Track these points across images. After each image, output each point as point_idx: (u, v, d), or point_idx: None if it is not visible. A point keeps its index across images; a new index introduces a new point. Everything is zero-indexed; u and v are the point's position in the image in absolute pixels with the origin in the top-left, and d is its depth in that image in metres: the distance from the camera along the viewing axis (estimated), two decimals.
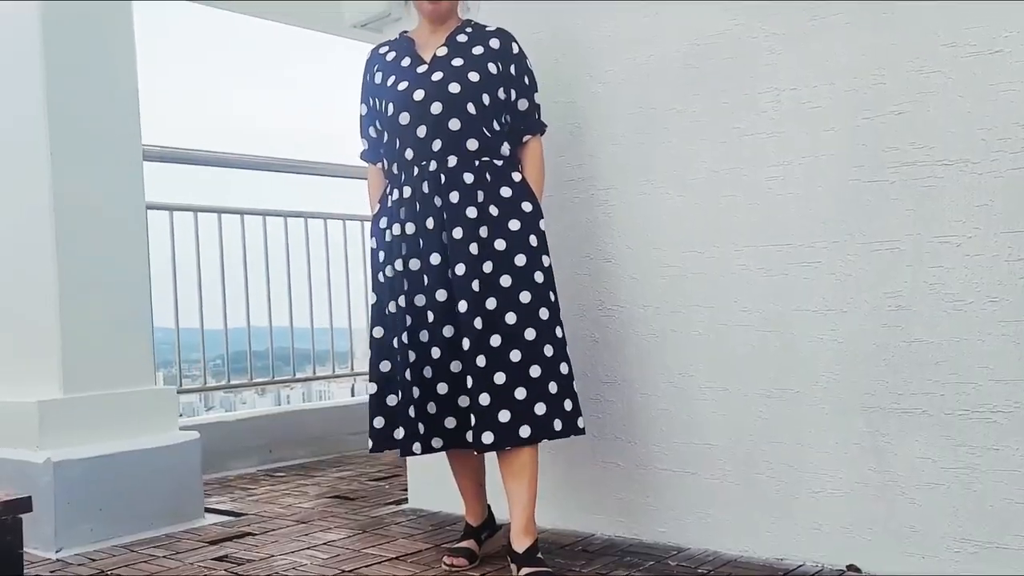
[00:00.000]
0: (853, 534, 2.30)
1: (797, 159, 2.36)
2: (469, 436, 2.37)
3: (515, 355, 2.32)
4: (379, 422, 2.48)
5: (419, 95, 2.39)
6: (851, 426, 2.29)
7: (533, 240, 2.41)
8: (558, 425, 2.35)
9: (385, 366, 2.47)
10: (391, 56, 2.52)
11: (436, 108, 2.38)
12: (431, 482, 3.22)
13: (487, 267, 2.35)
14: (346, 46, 5.19)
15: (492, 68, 2.43)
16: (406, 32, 2.59)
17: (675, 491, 2.62)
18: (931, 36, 2.15)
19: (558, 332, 2.40)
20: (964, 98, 2.11)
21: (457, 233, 2.35)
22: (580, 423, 2.40)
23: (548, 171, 2.72)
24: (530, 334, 2.34)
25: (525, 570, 2.33)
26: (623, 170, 2.71)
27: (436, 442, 2.41)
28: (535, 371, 2.33)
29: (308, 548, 2.78)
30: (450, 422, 2.41)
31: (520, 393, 2.31)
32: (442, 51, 2.46)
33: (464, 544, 2.57)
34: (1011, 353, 2.05)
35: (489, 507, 2.67)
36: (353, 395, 5.48)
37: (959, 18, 2.11)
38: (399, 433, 2.41)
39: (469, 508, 2.63)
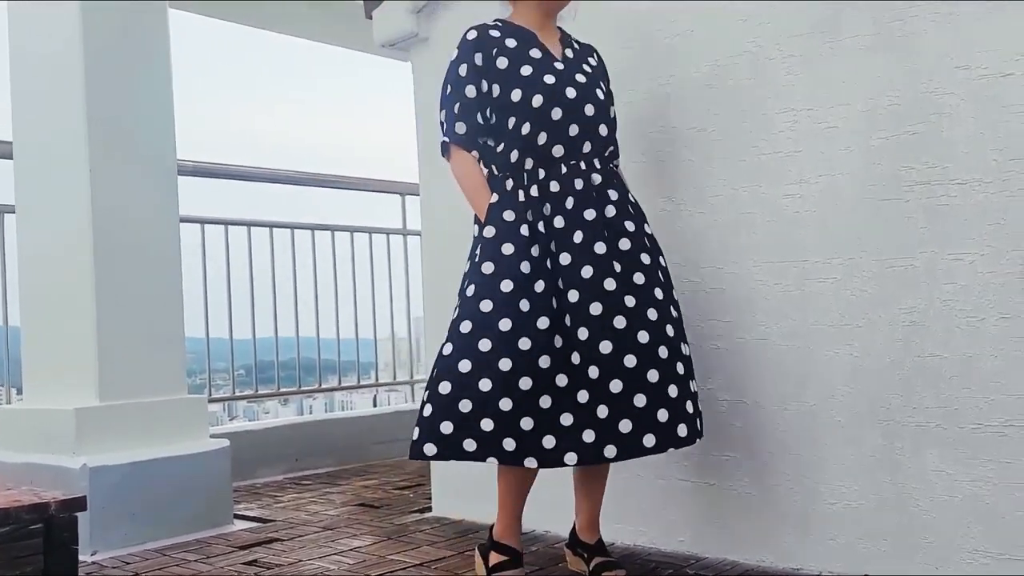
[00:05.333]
0: (868, 545, 2.33)
1: (814, 178, 2.42)
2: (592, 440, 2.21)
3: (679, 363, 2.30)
4: (487, 424, 2.19)
5: (571, 93, 2.34)
6: (866, 439, 2.34)
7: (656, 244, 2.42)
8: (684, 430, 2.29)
9: (505, 364, 2.19)
10: (511, 42, 2.39)
11: (589, 110, 2.35)
12: (455, 491, 3.29)
13: (617, 267, 2.29)
14: (375, 63, 5.30)
15: (603, 86, 2.47)
16: (505, 20, 2.47)
17: (694, 501, 2.67)
18: (944, 59, 2.20)
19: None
20: (977, 119, 2.16)
21: (601, 241, 2.30)
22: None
23: None
24: (678, 345, 2.32)
25: (599, 559, 2.43)
26: (644, 188, 2.76)
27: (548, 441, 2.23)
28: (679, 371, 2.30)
29: (335, 554, 2.85)
30: (581, 429, 2.22)
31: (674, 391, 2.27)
32: (569, 53, 2.45)
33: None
34: (1023, 368, 2.09)
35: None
36: (375, 405, 5.55)
37: (971, 42, 2.16)
38: (509, 444, 2.19)
39: (517, 528, 2.42)
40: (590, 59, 2.50)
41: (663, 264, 2.40)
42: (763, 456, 2.53)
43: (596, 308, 2.23)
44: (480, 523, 3.13)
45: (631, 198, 2.43)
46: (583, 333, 2.22)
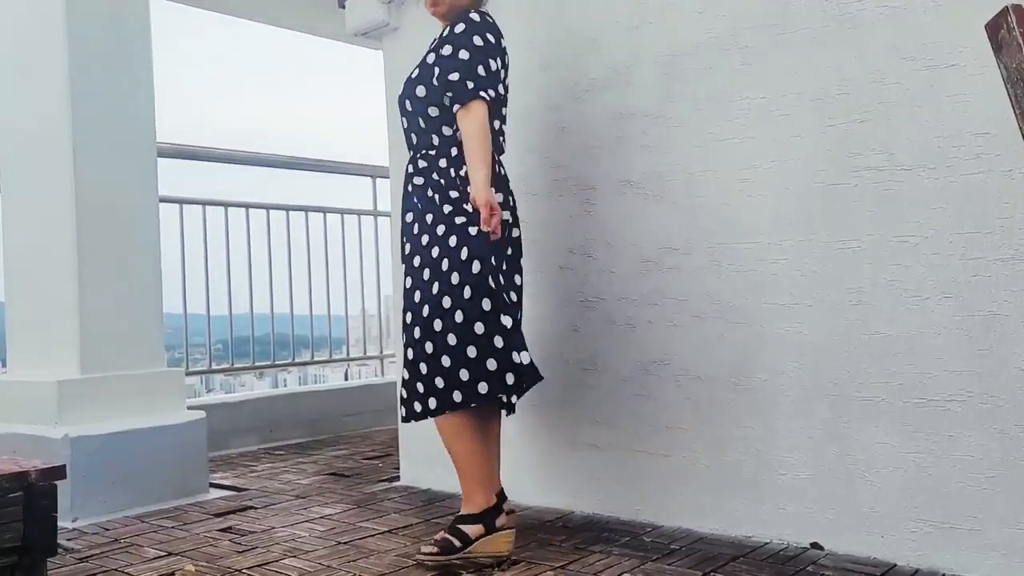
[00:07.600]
0: (816, 514, 2.43)
1: (766, 163, 2.51)
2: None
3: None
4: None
5: (399, 92, 2.62)
6: (815, 413, 2.43)
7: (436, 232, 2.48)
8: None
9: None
10: None
11: (408, 106, 2.57)
12: (422, 461, 3.38)
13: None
14: (348, 51, 5.35)
15: (430, 58, 2.53)
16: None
17: (650, 472, 2.76)
18: (891, 51, 2.29)
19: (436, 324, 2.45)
20: (922, 108, 2.25)
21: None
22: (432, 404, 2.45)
23: (533, 171, 2.85)
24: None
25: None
26: (604, 171, 2.85)
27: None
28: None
29: (306, 521, 2.94)
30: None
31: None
32: (426, 50, 2.60)
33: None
34: (964, 346, 2.19)
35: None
36: (347, 379, 5.63)
37: (918, 34, 2.25)
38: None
39: (489, 487, 2.51)
40: (440, 40, 2.52)
41: (416, 264, 2.48)
42: (716, 429, 2.62)
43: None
44: (446, 492, 3.23)
45: (416, 201, 2.51)
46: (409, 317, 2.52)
